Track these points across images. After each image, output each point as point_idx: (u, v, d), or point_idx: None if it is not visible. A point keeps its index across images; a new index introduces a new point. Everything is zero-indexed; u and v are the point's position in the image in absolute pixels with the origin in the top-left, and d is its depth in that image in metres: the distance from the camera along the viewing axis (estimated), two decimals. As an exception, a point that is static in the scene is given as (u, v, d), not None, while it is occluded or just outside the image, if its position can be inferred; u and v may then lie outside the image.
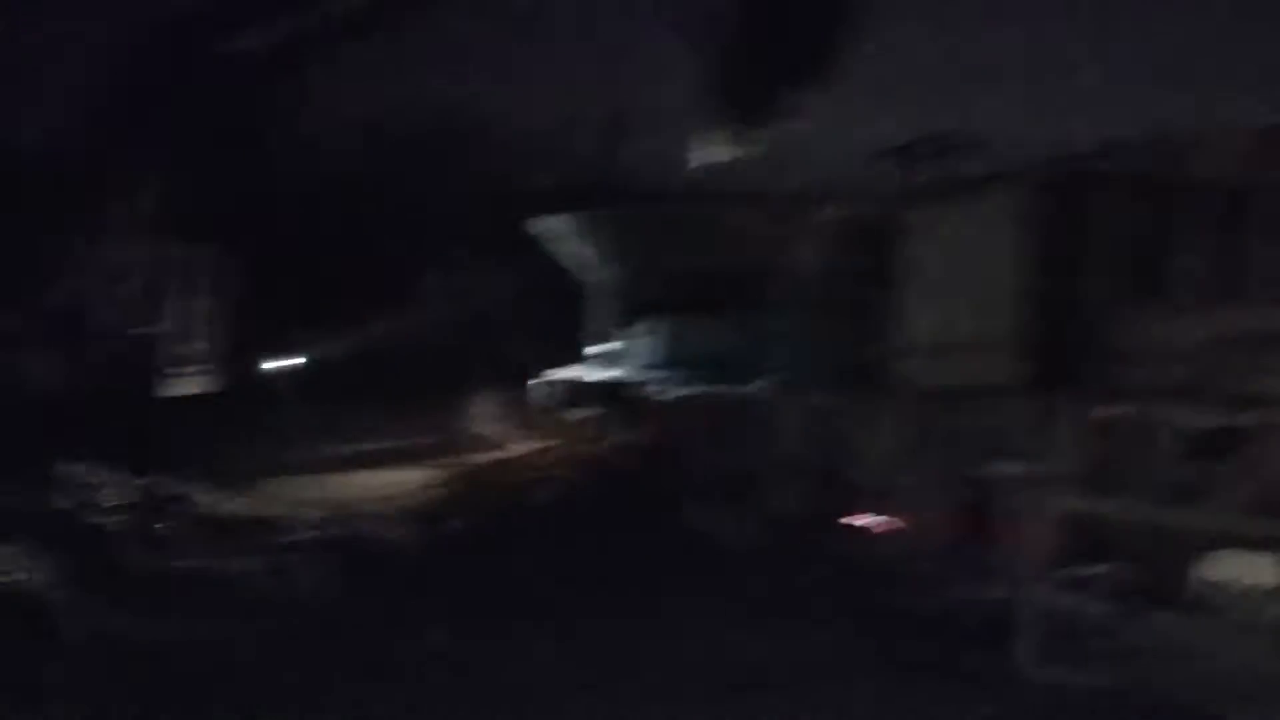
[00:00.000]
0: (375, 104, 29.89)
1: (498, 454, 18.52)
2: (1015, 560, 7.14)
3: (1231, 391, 6.94)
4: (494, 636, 7.18)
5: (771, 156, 12.40)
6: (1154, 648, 6.92)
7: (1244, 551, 7.41)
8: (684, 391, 12.95)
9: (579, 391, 15.38)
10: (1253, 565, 7.54)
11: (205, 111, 14.00)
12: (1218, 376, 6.94)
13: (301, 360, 19.19)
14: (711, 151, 13.17)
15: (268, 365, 18.67)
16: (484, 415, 19.52)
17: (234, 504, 11.44)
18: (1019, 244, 8.29)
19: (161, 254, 14.48)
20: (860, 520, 9.30)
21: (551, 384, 16.18)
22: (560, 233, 15.59)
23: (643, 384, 13.77)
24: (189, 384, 14.42)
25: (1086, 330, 7.78)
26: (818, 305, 11.70)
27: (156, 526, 9.43)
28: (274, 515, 11.10)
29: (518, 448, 18.73)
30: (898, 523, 8.99)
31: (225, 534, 9.86)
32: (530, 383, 18.18)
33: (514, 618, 7.67)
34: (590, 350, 15.16)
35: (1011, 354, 8.24)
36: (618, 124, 30.56)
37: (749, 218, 13.98)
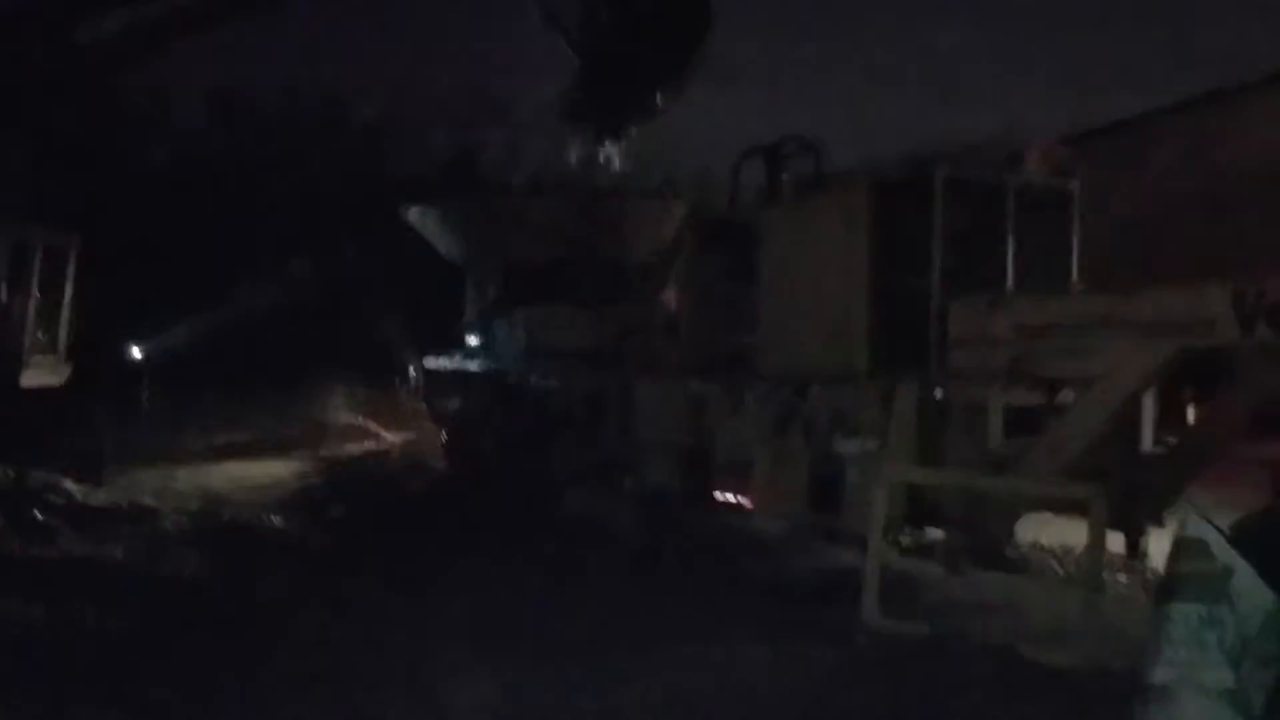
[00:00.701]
0: (231, 91, 29.25)
1: (368, 443, 18.64)
2: (860, 527, 7.88)
3: (1042, 374, 7.88)
4: (367, 619, 7.32)
5: (637, 153, 12.97)
6: (977, 602, 7.80)
7: (1053, 516, 8.44)
8: (550, 380, 13.35)
9: (448, 380, 15.60)
10: (1060, 528, 8.59)
11: (53, 99, 13.68)
12: (1030, 361, 7.86)
13: (166, 350, 18.79)
14: (576, 146, 13.64)
15: (134, 355, 18.22)
16: (353, 405, 19.58)
17: (106, 493, 11.35)
18: (862, 242, 9.06)
19: (14, 242, 14.04)
20: (724, 495, 9.98)
21: (421, 373, 16.35)
22: (426, 222, 15.75)
23: (511, 373, 14.07)
24: (49, 374, 14.07)
25: (921, 321, 8.60)
26: (681, 296, 12.33)
27: (34, 515, 9.36)
28: (147, 505, 11.07)
29: (388, 437, 18.88)
30: (757, 496, 9.70)
31: (100, 522, 9.83)
32: (400, 372, 18.35)
33: (388, 601, 7.84)
34: (461, 340, 15.38)
35: (856, 343, 9.02)
36: (481, 115, 30.75)
37: (613, 211, 14.47)
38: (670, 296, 12.98)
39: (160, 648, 6.46)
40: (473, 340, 14.80)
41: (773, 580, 8.63)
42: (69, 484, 10.96)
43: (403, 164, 29.79)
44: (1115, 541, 8.10)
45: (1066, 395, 8.05)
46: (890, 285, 8.96)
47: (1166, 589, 4.95)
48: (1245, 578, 4.87)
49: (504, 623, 7.29)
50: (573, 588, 8.44)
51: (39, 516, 9.40)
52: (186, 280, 21.67)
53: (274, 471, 15.18)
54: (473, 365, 14.68)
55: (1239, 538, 5.28)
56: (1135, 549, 8.45)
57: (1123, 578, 8.37)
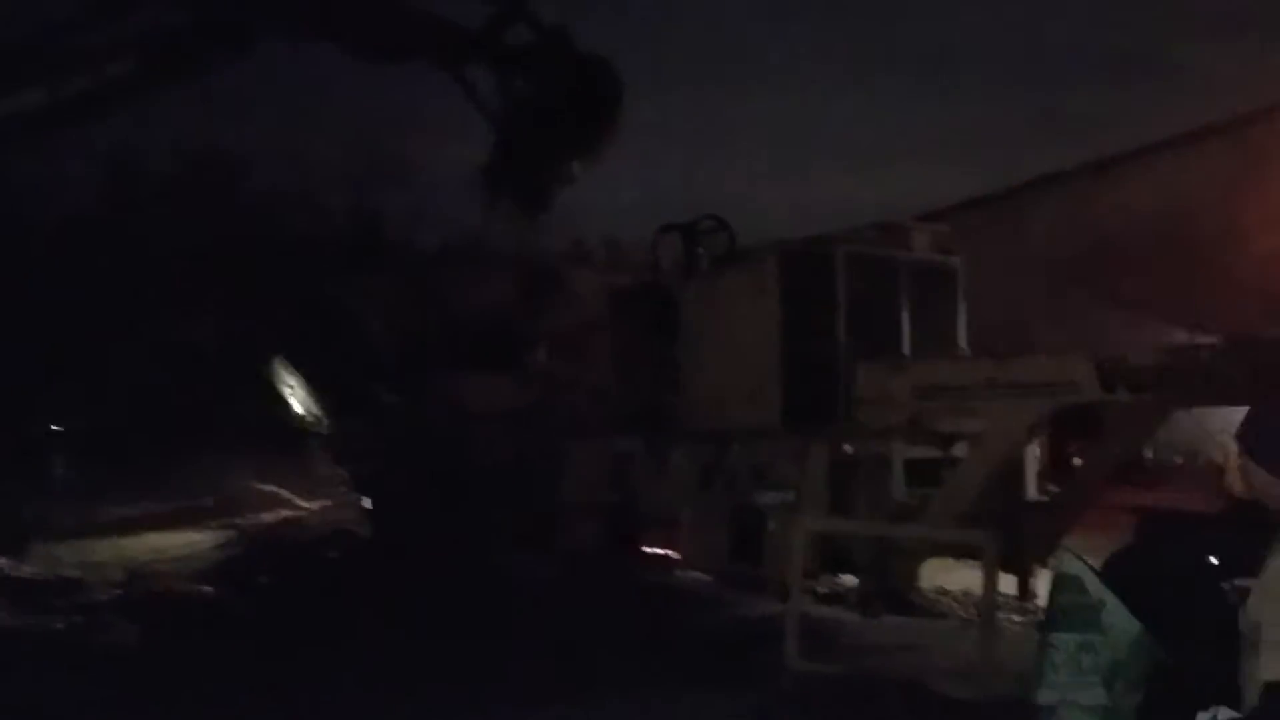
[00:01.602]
0: (121, 151, 28.98)
1: (285, 511, 18.56)
2: (779, 576, 8.50)
3: (937, 430, 8.69)
4: (296, 682, 7.50)
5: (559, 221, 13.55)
6: (889, 643, 8.47)
7: (954, 561, 9.21)
8: (475, 443, 13.68)
9: (369, 446, 15.80)
10: (959, 572, 9.36)
11: None
12: (926, 418, 8.67)
13: (77, 422, 18.50)
14: (494, 214, 14.14)
15: (42, 428, 17.90)
16: (271, 473, 19.48)
17: (31, 566, 11.29)
18: (774, 310, 9.83)
19: None
20: (648, 548, 10.52)
21: (340, 439, 16.52)
22: (339, 289, 16.08)
23: (433, 437, 14.35)
24: None
25: (829, 382, 9.37)
26: (608, 359, 12.90)
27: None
28: (74, 577, 11.05)
29: (306, 504, 18.84)
30: (682, 549, 10.27)
31: (32, 595, 9.84)
32: (314, 437, 18.38)
33: (315, 666, 7.95)
34: (379, 405, 15.64)
35: (770, 402, 9.73)
36: (382, 177, 31.07)
37: (532, 277, 15.03)
38: (591, 359, 13.53)
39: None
40: (393, 405, 15.08)
41: (699, 629, 9.17)
42: (-7, 558, 10.90)
43: (304, 227, 29.86)
44: (1009, 583, 8.89)
45: (961, 448, 8.88)
46: (799, 350, 9.72)
47: (1047, 621, 5.72)
48: (1115, 609, 5.66)
49: (440, 682, 7.55)
50: (502, 644, 8.79)
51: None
52: (86, 348, 21.37)
53: (193, 542, 15.10)
54: (394, 430, 14.95)
55: (1108, 574, 6.10)
56: (1026, 589, 9.23)
57: (1016, 617, 9.14)
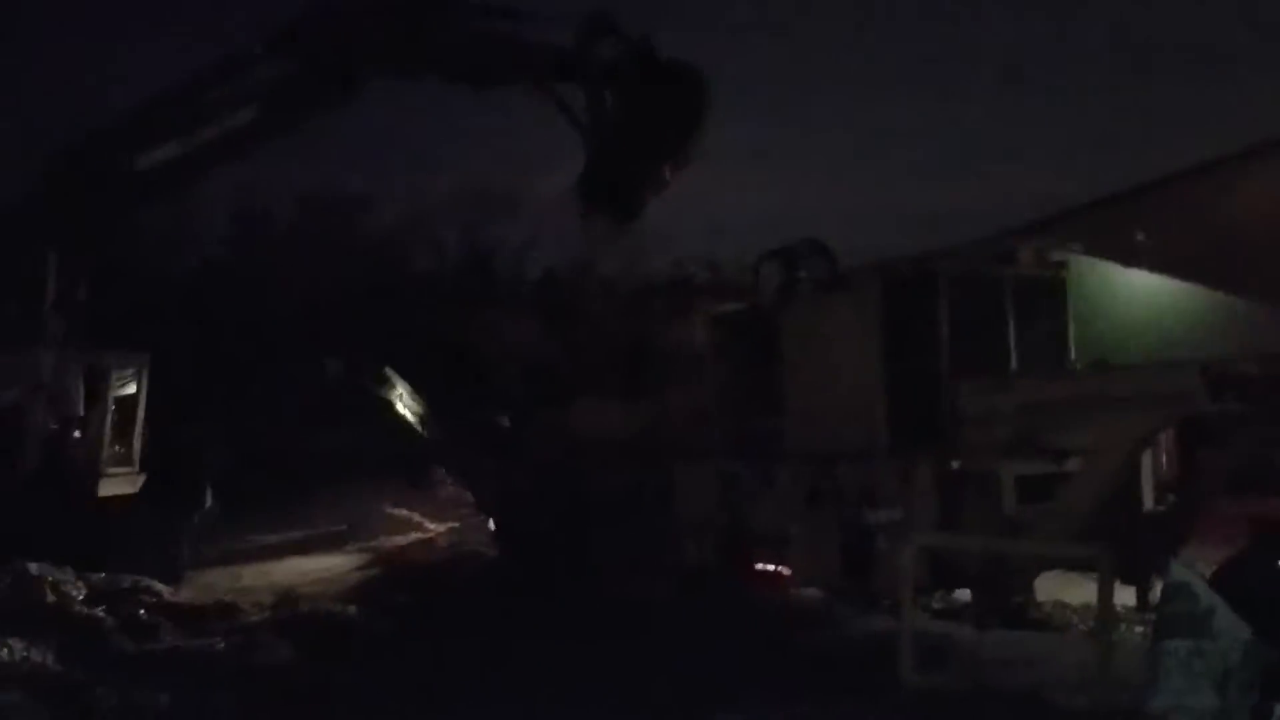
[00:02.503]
0: (251, 204, 30.71)
1: (414, 535, 19.45)
2: (891, 592, 8.70)
3: (1046, 446, 8.78)
4: (432, 696, 8.09)
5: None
6: (1004, 657, 8.58)
7: (1065, 574, 9.26)
8: (590, 468, 14.15)
9: (493, 472, 16.46)
10: (1072, 586, 9.40)
11: (113, 221, 14.92)
12: (1034, 435, 8.76)
13: (223, 454, 19.71)
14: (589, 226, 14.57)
15: (192, 462, 19.12)
16: (404, 498, 20.44)
17: (189, 592, 12.23)
18: (877, 332, 10.04)
19: (89, 366, 15.05)
20: (762, 567, 10.81)
21: (466, 465, 17.23)
22: (457, 322, 16.83)
23: (551, 462, 14.89)
24: (125, 485, 14.96)
25: (934, 401, 9.53)
26: (715, 384, 13.23)
27: (139, 614, 10.25)
28: (228, 601, 11.93)
29: (432, 527, 19.71)
30: (793, 568, 10.53)
31: (193, 618, 10.70)
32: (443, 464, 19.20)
33: (449, 681, 8.53)
34: (501, 432, 16.32)
35: (875, 422, 9.94)
36: (491, 212, 32.12)
37: (637, 304, 15.48)
38: (698, 384, 13.87)
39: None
40: (512, 432, 15.72)
41: (814, 645, 9.43)
42: (157, 585, 11.85)
43: (419, 264, 31.17)
44: (1127, 595, 8.89)
45: (1074, 463, 8.93)
46: (903, 370, 9.91)
47: (1158, 629, 5.86)
48: (1225, 615, 5.79)
49: (563, 698, 8.04)
50: (623, 661, 9.22)
51: (143, 615, 10.28)
52: (228, 387, 22.74)
53: (332, 565, 16.03)
54: (515, 456, 15.57)
55: (1220, 581, 6.21)
56: (1145, 601, 9.20)
57: (1138, 628, 9.12)
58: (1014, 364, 9.83)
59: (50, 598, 10.35)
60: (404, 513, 20.01)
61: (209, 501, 17.71)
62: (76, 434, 14.51)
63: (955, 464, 9.33)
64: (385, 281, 29.21)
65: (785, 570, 10.61)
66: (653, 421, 13.50)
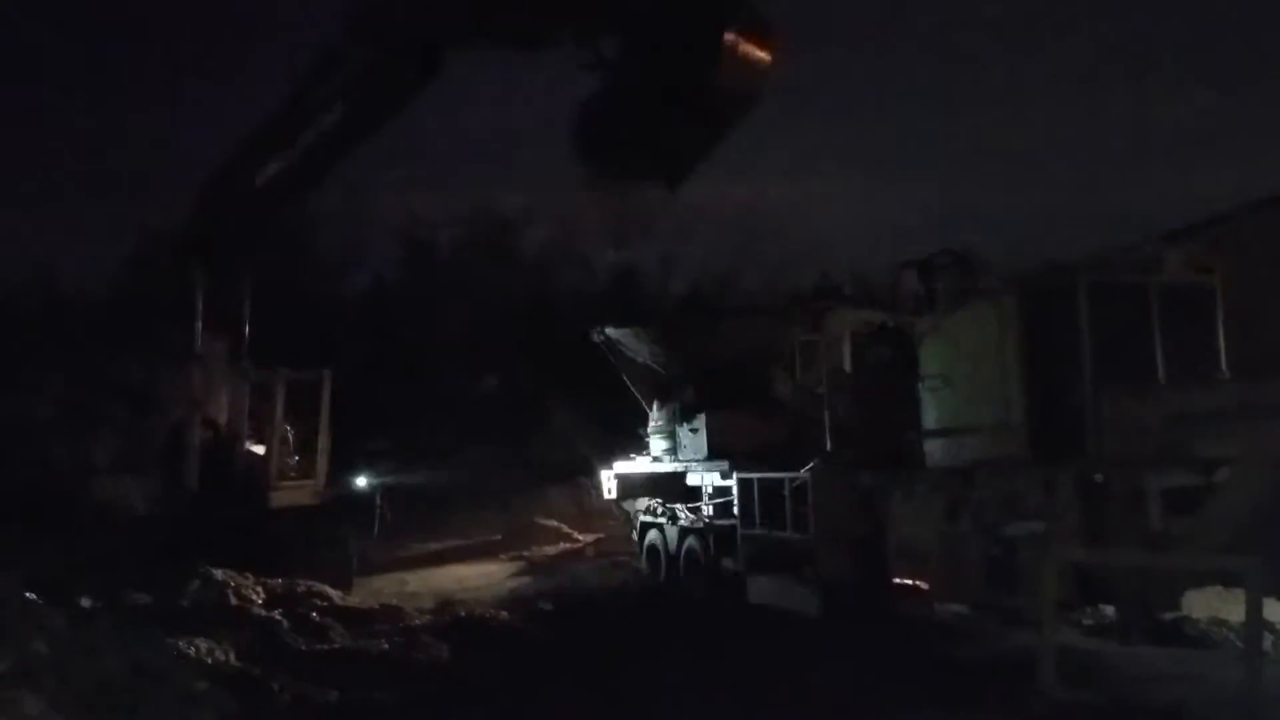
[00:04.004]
0: (416, 229, 32.26)
1: (563, 545, 20.10)
2: (1033, 606, 8.62)
3: (1194, 456, 8.53)
4: (588, 700, 8.50)
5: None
6: (1148, 674, 8.39)
7: (1214, 589, 8.95)
8: (734, 479, 14.37)
9: (637, 483, 16.87)
10: (1222, 600, 9.06)
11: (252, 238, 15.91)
12: (1181, 445, 8.54)
13: (390, 468, 20.90)
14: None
15: (370, 476, 20.33)
16: (554, 509, 21.16)
17: (357, 597, 13.12)
18: (1017, 343, 9.94)
19: (263, 382, 16.16)
20: (904, 580, 10.81)
21: (612, 476, 17.70)
22: (612, 338, 17.30)
23: (695, 473, 15.19)
24: (305, 496, 15.99)
25: (1076, 412, 9.38)
26: (853, 396, 13.27)
27: (311, 615, 11.10)
28: (393, 605, 12.73)
29: (580, 538, 20.31)
30: (933, 581, 10.50)
31: (360, 621, 11.50)
32: (592, 476, 19.77)
33: (603, 686, 8.90)
34: (646, 444, 16.72)
35: (1016, 434, 9.83)
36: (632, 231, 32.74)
37: (786, 319, 15.58)
38: (836, 396, 13.92)
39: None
40: (658, 445, 16.08)
41: (955, 658, 9.42)
42: (328, 589, 12.75)
43: (569, 281, 32.10)
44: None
45: (1223, 474, 8.66)
46: (1044, 380, 9.77)
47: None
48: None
49: (705, 708, 8.30)
50: (766, 668, 9.45)
51: (315, 617, 11.12)
52: (394, 404, 24.06)
53: (487, 573, 16.81)
54: (660, 468, 15.94)
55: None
56: (1299, 616, 8.81)
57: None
58: (1160, 373, 9.56)
59: (233, 600, 11.31)
60: (554, 523, 20.69)
61: (378, 512, 18.84)
62: (246, 448, 15.51)
63: (1099, 476, 9.15)
64: (538, 298, 30.26)
65: (925, 584, 10.59)
66: (793, 433, 13.62)
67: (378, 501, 18.76)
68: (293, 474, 15.87)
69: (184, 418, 14.70)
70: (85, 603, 9.82)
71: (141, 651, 7.64)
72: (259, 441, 15.70)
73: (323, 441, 15.87)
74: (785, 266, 31.67)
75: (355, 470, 20.00)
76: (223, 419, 15.28)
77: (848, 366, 12.86)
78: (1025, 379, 9.86)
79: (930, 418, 10.90)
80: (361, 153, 14.46)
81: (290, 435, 15.94)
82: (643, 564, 16.30)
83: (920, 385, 11.06)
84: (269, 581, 12.54)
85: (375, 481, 19.53)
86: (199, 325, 14.94)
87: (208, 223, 14.92)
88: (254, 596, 11.68)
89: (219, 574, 12.21)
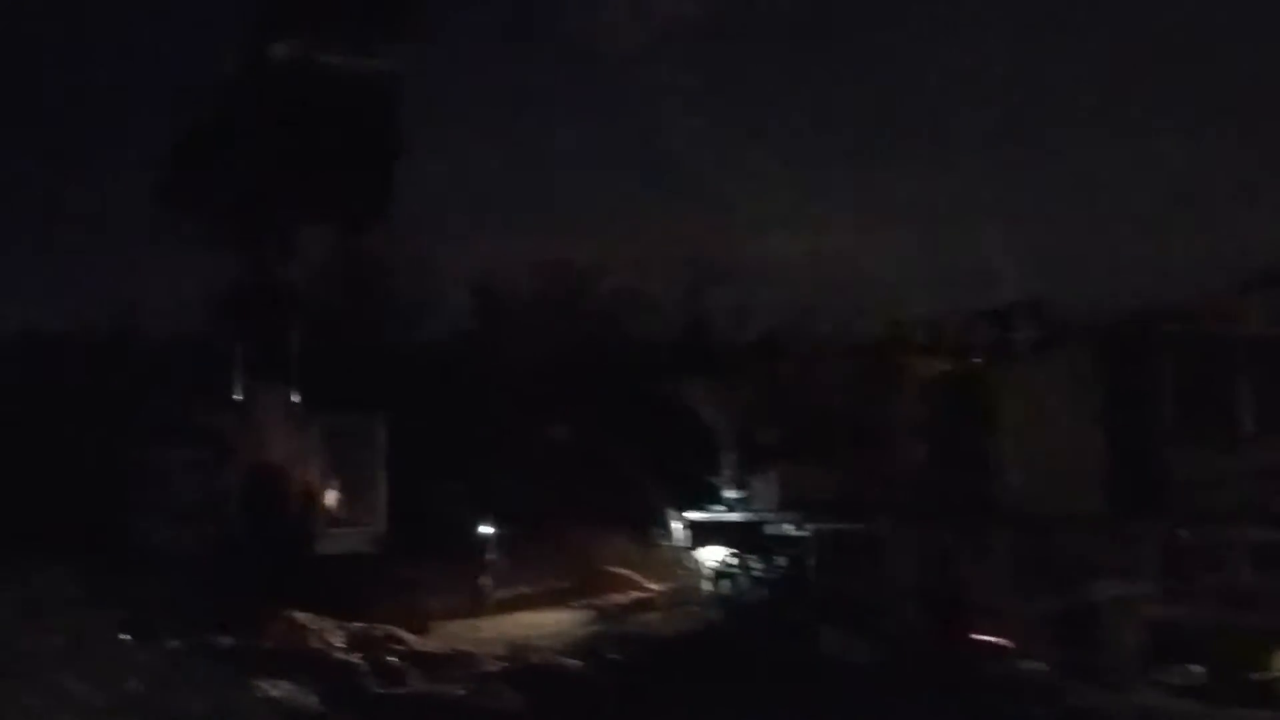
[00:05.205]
0: (491, 272, 32.81)
1: (633, 593, 20.04)
2: (1112, 664, 8.44)
3: (1281, 512, 8.32)
4: None
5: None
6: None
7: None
8: (807, 529, 14.33)
9: (710, 531, 16.86)
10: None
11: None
12: (1271, 498, 8.33)
13: (453, 516, 21.07)
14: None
15: (429, 521, 20.55)
16: (623, 557, 21.14)
17: (430, 643, 13.26)
18: (1095, 394, 9.83)
19: (321, 427, 16.56)
20: (976, 636, 10.63)
21: (685, 525, 17.73)
22: (684, 387, 17.43)
23: (766, 523, 15.16)
24: (362, 543, 16.28)
25: (1158, 465, 9.21)
26: (923, 447, 13.18)
27: (387, 659, 11.28)
28: (466, 650, 12.85)
29: (651, 586, 20.24)
30: (1010, 636, 10.31)
31: (435, 665, 11.64)
32: (665, 525, 19.77)
33: None
34: (716, 494, 16.74)
35: (1097, 485, 9.68)
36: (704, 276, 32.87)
37: (857, 369, 15.57)
38: (907, 445, 13.81)
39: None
40: (730, 494, 16.10)
41: (1031, 718, 9.19)
42: (404, 634, 12.93)
43: (640, 330, 32.25)
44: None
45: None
46: (1123, 433, 9.63)
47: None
48: None
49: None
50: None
51: (392, 661, 11.30)
52: (473, 449, 24.32)
53: (558, 620, 16.81)
54: (732, 517, 15.93)
55: None
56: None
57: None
58: (1245, 426, 9.36)
59: (313, 643, 11.54)
60: (624, 572, 20.64)
61: (447, 558, 18.97)
62: (300, 493, 15.85)
63: (1183, 531, 8.97)
64: (607, 346, 30.45)
65: (1002, 640, 10.40)
66: (866, 482, 13.54)
67: (486, 549, 18.79)
68: (348, 522, 16.14)
69: (242, 463, 15.21)
70: (173, 644, 10.11)
71: (227, 692, 7.86)
72: (312, 487, 16.03)
73: (378, 487, 16.15)
74: (856, 315, 31.46)
75: (437, 515, 20.18)
76: (281, 465, 15.72)
77: (921, 417, 12.80)
78: (1103, 430, 9.73)
79: (1006, 469, 10.78)
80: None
81: (339, 482, 16.26)
82: (713, 613, 16.23)
83: (995, 436, 10.97)
84: (348, 624, 12.77)
85: (486, 530, 19.59)
86: (256, 373, 15.50)
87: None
88: (333, 640, 11.90)
89: (300, 616, 12.48)
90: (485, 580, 17.81)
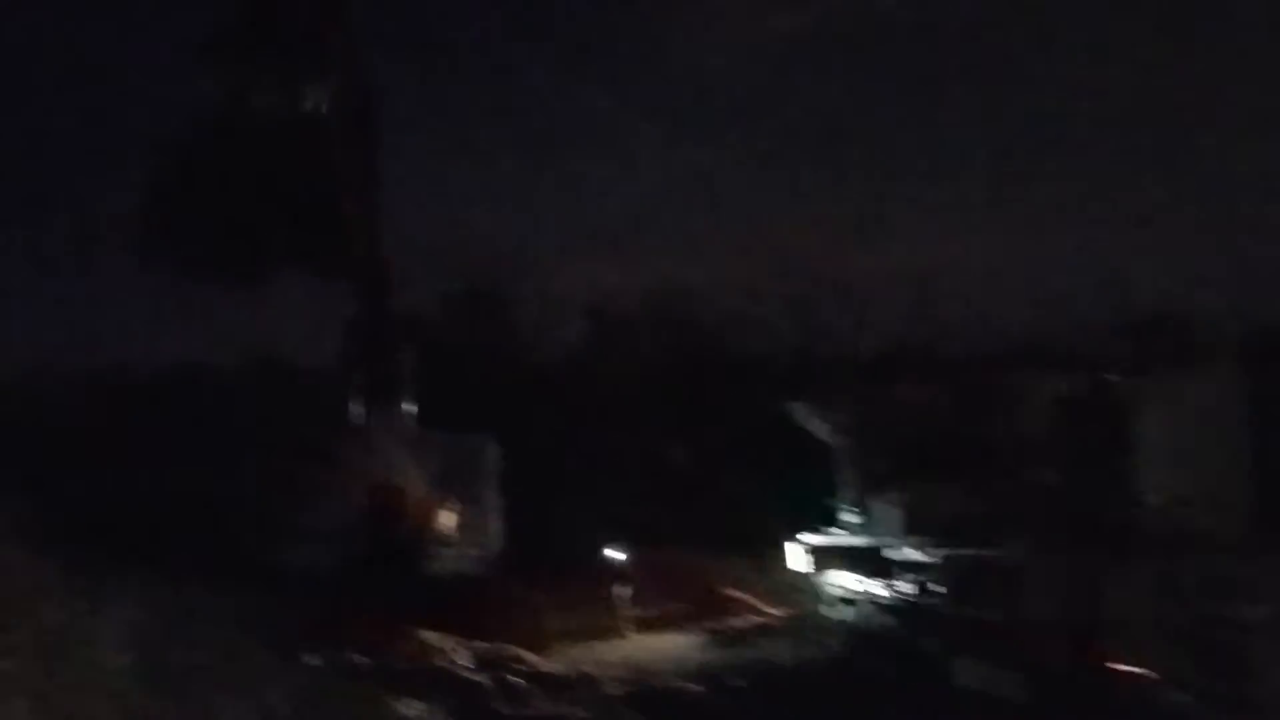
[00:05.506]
0: (603, 294, 33.16)
1: (752, 618, 19.85)
2: (1262, 695, 7.98)
3: None
4: None
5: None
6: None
7: None
8: (932, 555, 13.97)
9: (831, 556, 16.60)
10: None
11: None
12: None
13: (570, 537, 21.27)
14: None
15: (546, 542, 20.79)
16: (740, 581, 20.98)
17: (552, 664, 13.40)
18: (1238, 409, 9.38)
19: (443, 449, 16.94)
20: (1115, 666, 10.18)
21: (804, 549, 17.49)
22: (801, 407, 17.26)
23: (890, 548, 14.84)
24: (458, 562, 16.60)
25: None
26: (1058, 468, 12.73)
27: (508, 680, 11.45)
28: (587, 672, 12.94)
29: (770, 610, 20.01)
30: (1156, 666, 9.85)
31: (557, 687, 11.76)
32: (783, 549, 19.57)
33: None
34: (839, 517, 16.47)
35: (1244, 505, 9.21)
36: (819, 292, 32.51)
37: (985, 386, 15.17)
38: (1041, 466, 13.35)
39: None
40: (851, 517, 15.83)
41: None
42: (528, 654, 13.11)
43: (755, 348, 32.09)
44: None
45: None
46: (1272, 449, 9.15)
47: None
48: None
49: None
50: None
51: (517, 682, 11.46)
52: (585, 471, 24.55)
53: (675, 643, 16.78)
54: (853, 541, 15.64)
55: None
56: None
57: None
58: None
59: (441, 663, 11.79)
60: (741, 595, 20.48)
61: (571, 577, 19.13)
62: (407, 515, 16.21)
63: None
64: (722, 366, 30.42)
65: (1146, 670, 9.94)
66: (996, 505, 13.15)
67: (612, 572, 18.93)
68: (464, 540, 16.45)
69: (366, 486, 15.69)
70: (313, 660, 10.44)
71: (364, 711, 8.08)
72: (431, 508, 16.40)
73: (495, 508, 16.45)
74: (980, 328, 30.68)
75: (553, 535, 20.42)
76: (401, 487, 16.17)
77: (1054, 436, 12.40)
78: (1250, 447, 9.28)
79: (1146, 489, 10.35)
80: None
81: (458, 503, 16.60)
82: (836, 641, 15.94)
83: (1134, 455, 10.55)
84: (473, 644, 13.00)
85: (611, 553, 19.75)
86: (376, 398, 15.99)
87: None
88: (460, 659, 12.13)
89: (428, 635, 12.78)
90: (614, 602, 17.94)
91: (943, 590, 13.09)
